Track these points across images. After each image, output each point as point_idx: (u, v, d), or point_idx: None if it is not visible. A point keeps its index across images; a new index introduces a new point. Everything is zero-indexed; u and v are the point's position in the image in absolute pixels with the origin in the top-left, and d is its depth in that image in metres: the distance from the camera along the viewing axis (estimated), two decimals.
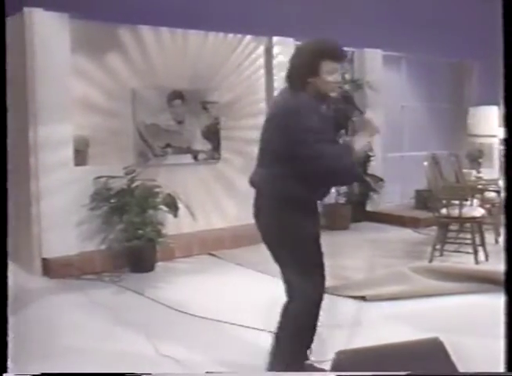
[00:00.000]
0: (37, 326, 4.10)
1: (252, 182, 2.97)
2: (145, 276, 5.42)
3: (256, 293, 4.77)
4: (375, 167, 8.08)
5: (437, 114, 9.32)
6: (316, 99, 2.81)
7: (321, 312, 3.04)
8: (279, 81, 6.91)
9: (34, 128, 5.43)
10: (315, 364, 3.10)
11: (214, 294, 4.83)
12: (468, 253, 5.65)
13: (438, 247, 5.78)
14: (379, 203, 8.18)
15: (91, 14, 5.51)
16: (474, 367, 3.22)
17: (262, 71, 7.20)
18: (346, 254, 6.13)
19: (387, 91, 8.41)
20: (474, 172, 7.41)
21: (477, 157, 7.50)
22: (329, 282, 4.86)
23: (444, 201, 5.79)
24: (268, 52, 7.20)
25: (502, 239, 6.43)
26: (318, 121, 2.73)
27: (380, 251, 6.25)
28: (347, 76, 7.87)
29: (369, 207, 8.12)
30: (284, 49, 7.09)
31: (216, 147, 6.73)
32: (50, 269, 5.42)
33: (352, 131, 3.04)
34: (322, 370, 2.99)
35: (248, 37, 7.03)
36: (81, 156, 5.74)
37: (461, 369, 3.02)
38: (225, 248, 6.30)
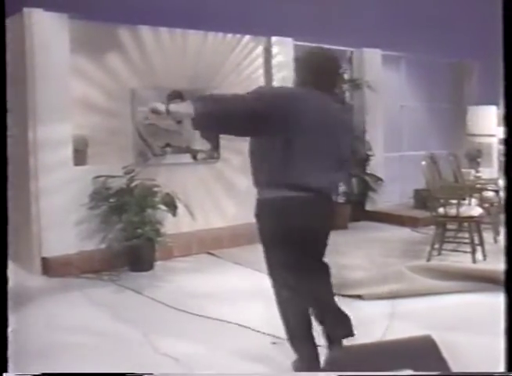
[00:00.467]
0: (36, 325, 4.13)
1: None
2: (144, 275, 5.44)
3: (254, 292, 4.79)
4: (374, 166, 8.10)
5: (436, 114, 9.34)
6: None
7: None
8: (278, 81, 6.95)
9: (34, 128, 5.46)
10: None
11: (212, 293, 4.85)
12: (466, 252, 5.67)
13: (436, 246, 5.80)
14: (378, 202, 8.20)
15: (91, 14, 5.53)
16: (470, 365, 3.25)
17: (261, 71, 7.23)
18: (345, 253, 6.14)
19: (386, 91, 8.44)
20: (472, 172, 7.44)
21: (476, 157, 7.54)
22: None
23: (442, 201, 5.81)
24: (267, 52, 7.23)
25: (501, 238, 6.46)
26: None
27: (378, 251, 6.27)
28: (346, 76, 7.89)
29: (368, 207, 8.14)
30: (283, 49, 7.13)
31: (215, 147, 6.75)
32: (50, 268, 5.45)
33: None
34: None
35: (247, 37, 7.06)
36: (80, 155, 5.77)
37: (456, 366, 3.05)
38: (224, 247, 6.32)
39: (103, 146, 5.98)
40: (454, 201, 5.74)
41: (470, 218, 5.73)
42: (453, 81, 9.63)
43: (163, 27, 6.40)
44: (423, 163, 5.79)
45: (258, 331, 3.86)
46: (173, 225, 6.08)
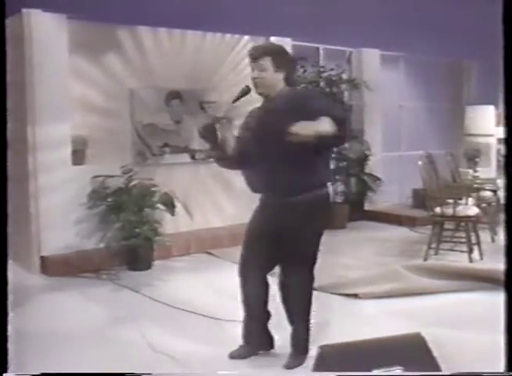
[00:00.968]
0: (33, 323, 4.15)
1: None
2: (142, 274, 5.47)
3: None
4: (373, 166, 8.12)
5: (435, 114, 9.36)
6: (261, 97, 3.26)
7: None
8: None
9: (33, 128, 5.49)
10: None
11: (208, 291, 4.88)
12: (463, 252, 5.70)
13: (433, 245, 5.82)
14: (376, 202, 8.22)
15: (89, 15, 5.56)
16: (466, 363, 3.28)
17: None
18: (343, 252, 6.18)
19: (385, 90, 8.46)
20: (470, 171, 7.45)
21: (474, 157, 7.54)
22: (323, 280, 4.96)
23: (439, 200, 5.83)
24: None
25: (498, 237, 6.48)
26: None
27: (376, 250, 6.30)
28: (345, 76, 7.91)
29: (366, 207, 8.16)
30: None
31: (214, 147, 6.77)
32: (48, 267, 5.48)
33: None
34: None
35: (246, 37, 7.07)
36: (78, 155, 5.80)
37: (452, 364, 3.08)
38: (223, 247, 6.34)
39: (102, 146, 6.00)
40: (451, 201, 5.77)
41: (467, 217, 5.75)
42: (452, 80, 9.65)
43: (161, 28, 6.42)
44: (420, 163, 5.82)
45: None
46: (172, 224, 6.11)
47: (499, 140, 8.55)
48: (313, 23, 6.18)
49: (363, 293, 4.60)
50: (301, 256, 3.27)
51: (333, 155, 7.72)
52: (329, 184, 3.40)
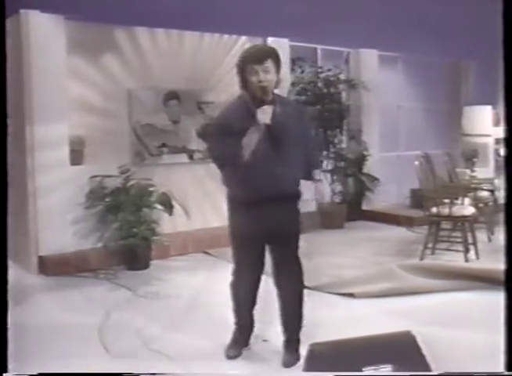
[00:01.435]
0: (31, 322, 4.18)
1: None
2: (139, 274, 5.50)
3: None
4: (371, 166, 8.14)
5: (433, 114, 9.39)
6: (252, 100, 3.10)
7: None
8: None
9: (31, 128, 5.52)
10: None
11: (205, 290, 4.91)
12: (459, 251, 5.71)
13: (429, 245, 5.84)
14: (374, 202, 8.24)
15: (87, 16, 5.59)
16: (462, 362, 3.30)
17: None
18: (340, 252, 6.20)
19: (383, 91, 8.48)
20: (468, 171, 7.48)
21: (471, 157, 7.57)
22: (319, 279, 4.99)
23: (437, 200, 5.85)
24: None
25: (495, 237, 6.50)
26: (238, 120, 3.05)
27: (373, 250, 6.31)
28: (343, 76, 7.93)
29: (364, 206, 8.18)
30: (279, 50, 7.14)
31: None
32: (46, 266, 5.51)
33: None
34: None
35: (243, 38, 7.09)
36: (76, 155, 5.82)
37: (444, 363, 3.10)
38: (221, 246, 6.35)
39: (100, 146, 6.03)
40: (447, 201, 5.79)
41: (463, 217, 5.77)
42: (450, 81, 9.67)
43: (159, 28, 6.45)
44: (416, 163, 5.84)
45: None
46: (170, 224, 6.14)
47: (496, 140, 8.58)
48: (311, 23, 6.20)
49: (359, 292, 4.62)
50: (295, 254, 3.41)
51: (331, 155, 7.77)
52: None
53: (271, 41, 7.24)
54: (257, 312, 3.54)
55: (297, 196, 3.34)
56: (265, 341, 3.68)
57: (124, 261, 5.62)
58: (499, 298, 4.38)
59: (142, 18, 5.90)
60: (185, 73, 6.61)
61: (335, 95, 7.61)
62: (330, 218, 7.63)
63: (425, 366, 2.24)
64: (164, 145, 6.49)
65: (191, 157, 6.70)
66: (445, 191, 6.04)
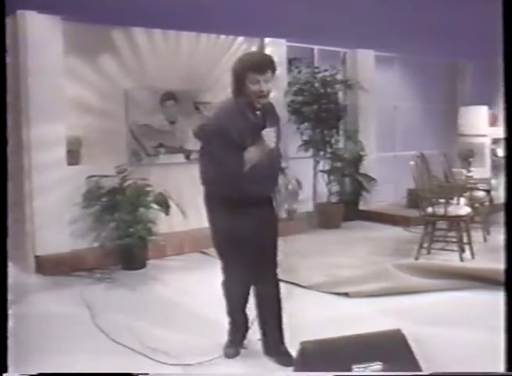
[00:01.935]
0: (28, 321, 4.20)
1: None
2: (136, 274, 5.52)
3: None
4: (367, 166, 8.17)
5: (430, 114, 9.42)
6: (247, 106, 3.12)
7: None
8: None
9: (28, 129, 5.54)
10: None
11: (201, 290, 4.92)
12: (455, 251, 5.74)
13: (425, 245, 5.86)
14: (371, 202, 8.27)
15: (84, 16, 5.61)
16: (458, 361, 3.32)
17: None
18: (336, 252, 6.23)
19: (379, 91, 8.51)
20: (464, 171, 7.50)
21: (467, 157, 7.59)
22: (315, 279, 5.02)
23: (433, 200, 5.88)
24: None
25: (491, 237, 6.53)
26: (235, 125, 3.06)
27: (370, 249, 6.33)
28: (339, 76, 7.96)
29: (361, 206, 8.21)
30: (276, 50, 7.18)
31: None
32: (43, 266, 5.53)
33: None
34: None
35: (240, 38, 7.12)
36: (73, 155, 5.84)
37: (439, 362, 3.13)
38: None
39: (97, 147, 6.05)
40: (443, 201, 5.81)
41: (458, 217, 5.80)
42: (446, 81, 9.71)
43: (156, 29, 6.47)
44: (412, 163, 5.86)
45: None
46: (166, 224, 6.16)
47: (493, 140, 8.61)
48: (308, 24, 6.22)
49: (353, 292, 4.64)
50: (275, 259, 3.43)
51: (328, 155, 7.79)
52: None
53: (268, 41, 7.28)
54: (250, 311, 3.56)
55: (271, 198, 3.40)
56: (259, 340, 3.69)
57: (121, 260, 5.64)
58: (493, 297, 4.44)
59: (139, 18, 5.91)
60: (182, 73, 6.63)
61: (332, 95, 7.63)
62: (327, 218, 7.65)
63: (414, 364, 2.27)
64: (160, 145, 6.51)
65: (188, 158, 6.72)
66: (441, 191, 6.06)
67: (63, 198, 5.69)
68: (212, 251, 6.10)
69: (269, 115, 3.23)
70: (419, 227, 7.08)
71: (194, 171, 6.62)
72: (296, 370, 2.24)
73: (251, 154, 3.03)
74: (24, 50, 5.47)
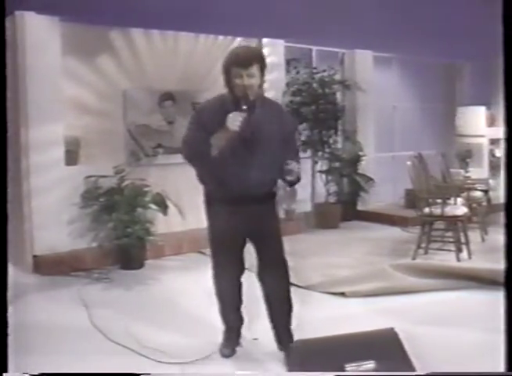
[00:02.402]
0: (25, 320, 4.21)
1: None
2: (134, 273, 5.54)
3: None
4: (366, 166, 8.18)
5: (428, 115, 9.44)
6: (232, 100, 3.14)
7: None
8: (269, 83, 7.03)
9: (26, 129, 5.55)
10: None
11: (199, 290, 4.93)
12: (452, 251, 5.75)
13: (423, 245, 5.88)
14: (369, 202, 8.28)
15: (82, 17, 5.62)
16: (450, 360, 3.33)
17: None
18: (334, 252, 6.24)
19: (378, 91, 8.52)
20: (462, 172, 7.51)
21: (465, 157, 7.60)
22: (312, 279, 5.03)
23: (430, 200, 5.89)
24: None
25: (488, 237, 6.54)
26: (210, 114, 3.16)
27: (367, 249, 6.35)
28: (338, 77, 7.97)
29: (359, 207, 8.22)
30: (274, 51, 7.21)
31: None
32: (41, 266, 5.55)
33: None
34: None
35: (238, 39, 7.13)
36: (71, 156, 5.86)
37: (434, 361, 3.14)
38: None
39: (95, 147, 6.07)
40: (440, 201, 5.83)
41: (455, 217, 5.81)
42: (444, 81, 9.73)
43: (154, 30, 6.49)
44: (409, 163, 5.88)
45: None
46: (165, 224, 6.17)
47: (491, 141, 8.63)
48: (306, 24, 6.23)
49: (350, 291, 4.66)
50: (277, 254, 3.42)
51: (326, 156, 7.80)
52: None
53: (266, 42, 7.29)
54: (244, 310, 3.57)
55: (271, 197, 3.38)
56: (255, 339, 3.71)
57: (119, 260, 5.66)
58: (490, 297, 4.46)
59: (137, 19, 5.93)
60: (180, 74, 6.65)
61: (330, 95, 7.64)
62: (325, 218, 7.67)
63: (407, 363, 2.28)
64: (159, 145, 6.52)
65: None
66: (438, 191, 6.08)
67: (62, 198, 5.70)
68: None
69: (263, 110, 3.20)
70: (417, 227, 7.08)
71: (192, 172, 6.73)
72: (289, 369, 2.25)
73: (217, 138, 3.06)
74: (22, 51, 5.49)
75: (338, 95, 8.00)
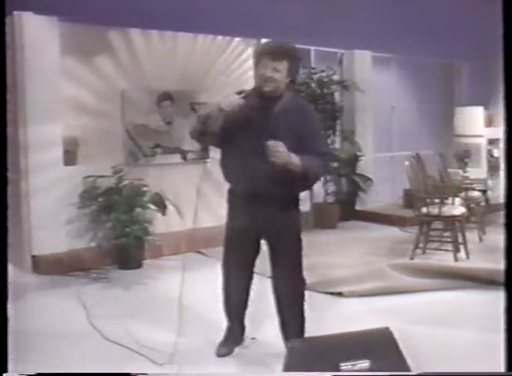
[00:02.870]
0: (24, 320, 4.22)
1: None
2: (132, 273, 5.55)
3: None
4: (364, 167, 8.19)
5: (426, 115, 9.45)
6: (257, 94, 3.16)
7: None
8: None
9: (25, 129, 5.57)
10: None
11: (195, 289, 4.94)
12: (450, 251, 5.76)
13: (421, 245, 5.89)
14: (368, 202, 8.29)
15: (81, 17, 5.63)
16: (447, 360, 3.34)
17: (251, 73, 7.28)
18: (332, 252, 6.25)
19: (376, 91, 8.53)
20: (460, 172, 7.53)
21: (463, 157, 7.62)
22: (310, 279, 5.02)
23: (428, 200, 5.90)
24: None
25: (486, 237, 6.55)
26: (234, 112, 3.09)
27: (365, 249, 6.36)
28: (336, 77, 7.98)
29: (358, 207, 8.23)
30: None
31: (205, 147, 6.83)
32: (40, 266, 5.56)
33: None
34: None
35: (237, 39, 7.15)
36: (70, 156, 5.87)
37: (431, 361, 3.15)
38: (214, 246, 6.39)
39: (93, 147, 6.08)
40: (437, 201, 5.84)
41: (453, 217, 5.82)
42: (443, 82, 9.74)
43: (152, 30, 6.50)
44: (406, 163, 5.89)
45: None
46: (163, 224, 6.19)
47: (489, 141, 8.64)
48: (305, 24, 6.24)
49: (348, 291, 4.67)
50: (296, 259, 3.37)
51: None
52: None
53: (264, 42, 7.29)
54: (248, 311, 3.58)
55: (292, 197, 3.32)
56: (253, 339, 3.72)
57: (117, 260, 5.67)
58: (487, 297, 4.47)
59: (136, 19, 5.94)
60: (178, 74, 6.66)
61: (328, 96, 7.66)
62: (323, 218, 7.68)
63: (402, 362, 2.29)
64: (157, 145, 6.54)
65: (184, 158, 6.76)
66: (436, 191, 6.09)
67: (60, 198, 5.72)
68: (208, 251, 6.25)
69: (287, 106, 3.18)
70: (415, 227, 7.09)
71: (191, 172, 6.78)
72: (285, 368, 2.26)
73: (212, 118, 3.11)
74: (21, 51, 5.50)
75: (336, 96, 8.01)
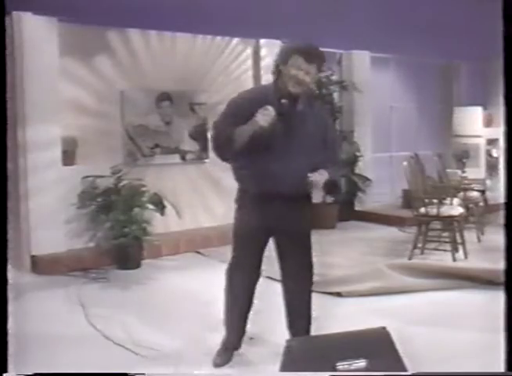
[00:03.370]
0: (23, 320, 4.22)
1: None
2: (131, 273, 5.56)
3: None
4: (363, 167, 8.20)
5: (425, 115, 9.46)
6: (277, 91, 3.07)
7: None
8: (267, 83, 7.05)
9: (23, 129, 5.58)
10: None
11: (194, 289, 4.96)
12: (448, 251, 5.77)
13: (419, 245, 5.90)
14: (367, 202, 8.30)
15: (80, 18, 5.63)
16: (451, 360, 3.35)
17: (250, 73, 7.33)
18: (331, 252, 6.24)
19: (375, 92, 8.54)
20: (459, 172, 7.54)
21: (462, 157, 7.63)
22: None
23: (426, 200, 5.91)
24: (256, 54, 7.34)
25: (485, 237, 6.56)
26: (249, 108, 2.96)
27: (364, 249, 6.37)
28: (335, 77, 7.99)
29: (357, 207, 8.24)
30: (271, 51, 7.19)
31: (204, 148, 6.85)
32: (39, 265, 5.57)
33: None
34: None
35: (236, 39, 7.16)
36: (69, 156, 5.88)
37: (430, 361, 3.16)
38: (212, 246, 6.42)
39: (92, 147, 6.09)
40: (436, 201, 5.85)
41: (451, 217, 5.83)
42: (442, 82, 9.74)
43: (151, 30, 6.51)
44: (405, 163, 5.90)
45: None
46: (162, 224, 6.20)
47: (488, 141, 8.65)
48: (303, 25, 6.25)
49: (346, 291, 4.67)
50: (306, 259, 3.36)
51: None
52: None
53: (263, 42, 7.31)
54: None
55: (305, 198, 3.28)
56: (251, 339, 3.72)
57: (116, 260, 5.67)
58: (486, 296, 4.47)
59: (135, 20, 5.95)
60: (177, 74, 6.67)
61: (327, 96, 7.66)
62: (322, 218, 7.66)
63: (398, 362, 2.30)
64: (156, 146, 6.55)
65: (183, 158, 6.77)
66: (434, 191, 6.10)
67: (59, 198, 5.72)
68: (207, 250, 6.26)
69: (307, 110, 3.12)
70: (413, 227, 7.10)
71: (190, 172, 6.80)
72: (282, 367, 2.27)
73: (241, 129, 2.98)
74: (20, 51, 5.51)
75: (335, 96, 8.02)
